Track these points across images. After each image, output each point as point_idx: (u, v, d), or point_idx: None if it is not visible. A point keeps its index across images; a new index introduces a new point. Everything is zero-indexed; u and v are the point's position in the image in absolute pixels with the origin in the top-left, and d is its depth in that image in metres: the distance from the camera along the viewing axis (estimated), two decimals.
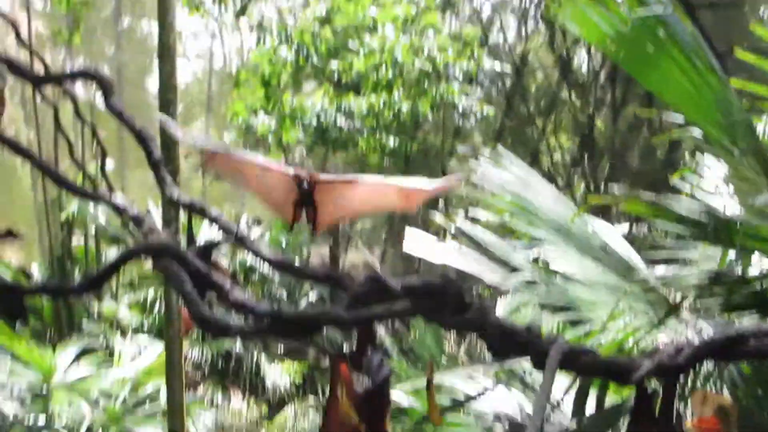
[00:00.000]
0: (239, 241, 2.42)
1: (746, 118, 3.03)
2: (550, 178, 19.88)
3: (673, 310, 2.93)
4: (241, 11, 11.81)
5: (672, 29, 3.05)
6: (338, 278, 2.38)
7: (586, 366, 2.21)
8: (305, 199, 2.54)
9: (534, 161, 20.76)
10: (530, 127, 22.42)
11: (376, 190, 2.62)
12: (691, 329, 2.90)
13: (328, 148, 12.67)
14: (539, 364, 2.15)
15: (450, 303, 2.25)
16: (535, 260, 3.74)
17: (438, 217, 4.27)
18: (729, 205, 3.40)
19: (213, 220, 2.58)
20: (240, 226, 11.21)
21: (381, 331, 11.67)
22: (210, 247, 2.30)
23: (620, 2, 3.13)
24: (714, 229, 2.87)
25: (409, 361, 5.81)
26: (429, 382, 2.37)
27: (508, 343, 2.23)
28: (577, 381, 3.19)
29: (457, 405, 3.72)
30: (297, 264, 2.55)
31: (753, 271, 2.86)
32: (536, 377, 4.00)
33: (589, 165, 19.90)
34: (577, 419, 3.27)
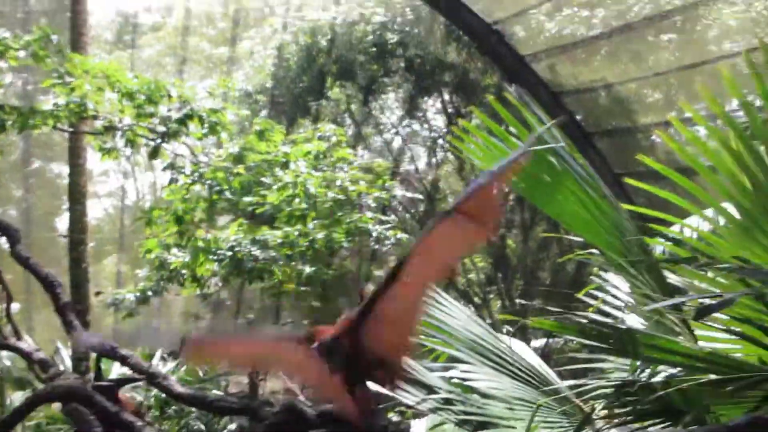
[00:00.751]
0: (150, 378, 2.39)
1: (638, 238, 3.23)
2: (467, 297, 20.20)
3: (587, 419, 3.00)
4: (153, 154, 11.90)
5: (565, 161, 3.28)
6: (254, 409, 2.37)
7: None
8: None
9: (450, 282, 21.10)
10: None
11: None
12: None
13: (244, 279, 12.56)
14: None
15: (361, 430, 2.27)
16: (451, 379, 3.78)
17: None
18: (633, 319, 3.57)
19: (122, 359, 2.54)
20: (153, 362, 10.84)
21: None
22: (118, 385, 2.26)
23: (515, 136, 3.37)
24: (618, 340, 2.99)
25: None
26: None
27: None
28: None
29: None
30: (213, 395, 2.52)
31: (658, 379, 2.98)
32: None
33: (503, 283, 20.33)
34: None
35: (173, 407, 10.86)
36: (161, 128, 11.51)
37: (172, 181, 12.17)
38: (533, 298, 18.30)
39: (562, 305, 3.41)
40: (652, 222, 3.53)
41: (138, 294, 12.53)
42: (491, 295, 21.36)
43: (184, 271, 12.10)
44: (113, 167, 29.24)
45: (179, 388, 2.47)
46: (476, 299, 20.23)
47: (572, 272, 18.41)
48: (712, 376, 2.78)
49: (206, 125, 11.51)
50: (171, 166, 12.22)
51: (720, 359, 2.88)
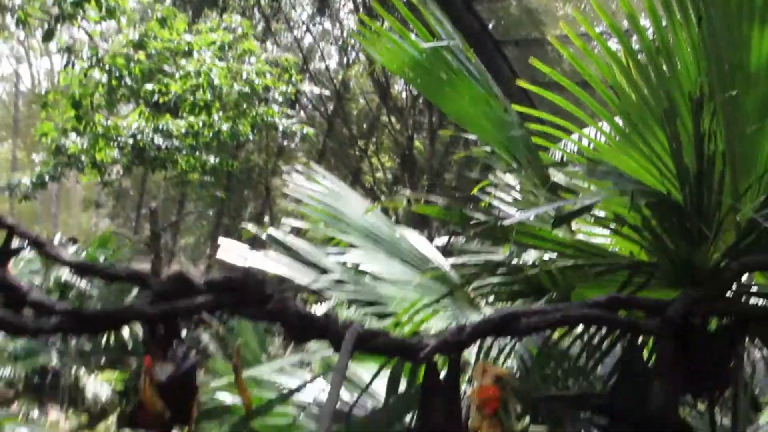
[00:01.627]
0: (37, 246, 2.41)
1: (524, 135, 3.38)
2: (373, 194, 20.50)
3: (460, 290, 3.23)
4: (48, 36, 11.31)
5: (460, 60, 3.37)
6: (143, 277, 2.44)
7: (380, 346, 2.42)
8: None
9: (356, 180, 21.34)
10: (353, 148, 23.03)
11: None
12: (477, 315, 3.20)
13: (147, 168, 12.37)
14: (337, 346, 2.33)
15: (251, 296, 2.38)
16: (345, 263, 3.94)
17: (251, 227, 4.39)
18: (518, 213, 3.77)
19: (9, 228, 2.54)
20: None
21: (206, 337, 11.58)
22: (5, 254, 2.28)
23: (415, 35, 3.42)
24: (494, 228, 3.19)
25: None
26: (236, 368, 2.46)
27: (307, 329, 2.39)
28: (389, 367, 3.40)
29: (281, 399, 3.83)
30: (103, 264, 2.58)
31: (529, 263, 3.21)
32: (354, 369, 4.22)
33: (409, 183, 20.69)
34: (386, 402, 3.48)
35: (74, 290, 10.83)
36: (55, 10, 10.95)
37: (68, 64, 11.67)
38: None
39: (465, 204, 3.57)
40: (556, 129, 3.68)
41: (34, 179, 12.18)
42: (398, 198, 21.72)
43: (83, 158, 11.80)
44: (6, 51, 27.67)
45: (67, 257, 2.50)
46: (382, 197, 20.56)
47: (477, 175, 18.89)
48: (580, 262, 3.03)
49: (104, 9, 11.01)
50: (67, 50, 11.70)
51: (586, 246, 3.12)
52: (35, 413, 10.99)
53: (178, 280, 2.39)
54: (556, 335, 3.41)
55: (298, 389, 3.72)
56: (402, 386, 3.49)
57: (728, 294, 2.77)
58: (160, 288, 2.39)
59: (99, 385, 11.48)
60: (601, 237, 3.45)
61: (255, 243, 4.57)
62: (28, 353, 11.20)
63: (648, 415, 2.37)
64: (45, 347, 11.02)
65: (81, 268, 2.55)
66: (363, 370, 4.18)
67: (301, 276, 3.83)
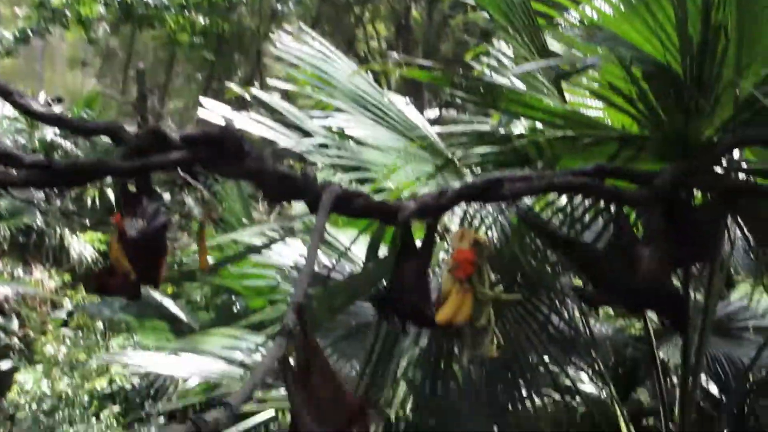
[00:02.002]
0: (4, 96, 2.30)
1: (523, 1, 3.22)
2: (366, 62, 20.07)
3: (449, 162, 3.16)
4: None
5: None
6: (116, 130, 2.35)
7: (358, 208, 2.37)
8: None
9: (350, 48, 20.83)
10: (348, 14, 22.33)
11: None
12: (461, 181, 3.15)
13: (135, 26, 11.98)
14: (314, 207, 2.28)
15: (228, 152, 2.30)
16: (330, 128, 3.85)
17: (234, 87, 4.26)
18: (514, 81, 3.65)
19: None
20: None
21: (190, 201, 11.63)
22: None
23: None
24: (487, 95, 3.09)
25: (219, 228, 5.89)
26: (200, 227, 2.42)
27: (284, 188, 2.33)
28: (367, 233, 3.39)
29: (244, 254, 3.84)
30: (76, 118, 2.48)
31: (516, 131, 3.13)
32: (335, 235, 4.23)
33: (403, 52, 20.21)
34: (365, 266, 3.50)
35: (59, 151, 10.72)
36: None
37: None
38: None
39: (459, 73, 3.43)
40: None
41: (17, 33, 11.80)
42: (391, 64, 21.27)
43: (67, 12, 11.39)
44: None
45: (38, 107, 2.40)
46: (376, 66, 20.10)
47: (473, 45, 18.46)
48: (570, 133, 2.95)
49: None
50: None
51: (577, 117, 3.03)
52: (19, 271, 11.12)
53: (153, 135, 2.30)
54: (538, 207, 3.38)
55: (264, 247, 3.71)
56: (382, 252, 3.50)
57: (717, 169, 2.72)
58: (135, 143, 2.31)
59: (83, 246, 11.56)
60: (592, 109, 3.36)
61: (240, 105, 4.45)
62: (11, 212, 11.21)
63: (635, 285, 2.35)
64: (28, 206, 11.01)
65: (53, 121, 2.46)
66: (344, 236, 4.18)
67: (283, 138, 3.74)
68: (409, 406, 3.54)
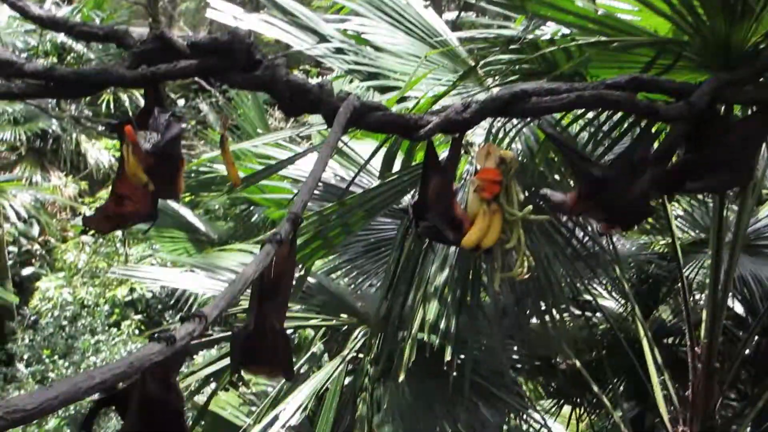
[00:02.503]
0: None
1: None
2: None
3: (471, 70, 2.99)
4: None
5: None
6: (120, 35, 2.21)
7: (377, 122, 2.23)
8: None
9: None
10: None
11: None
12: (486, 95, 2.99)
13: None
14: (330, 120, 2.15)
15: (238, 60, 2.16)
16: (346, 31, 3.68)
17: None
18: None
19: None
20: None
21: (205, 107, 11.46)
22: None
23: None
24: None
25: (235, 135, 5.80)
26: (223, 139, 2.30)
27: (298, 100, 2.19)
28: (385, 146, 3.26)
29: (270, 170, 3.74)
30: (76, 21, 2.33)
31: (545, 38, 2.94)
32: (352, 146, 4.11)
33: None
34: (382, 180, 3.39)
35: (72, 55, 10.51)
36: None
37: None
38: None
39: None
40: None
41: None
42: None
43: None
44: None
45: (36, 10, 2.26)
46: None
47: None
48: (602, 38, 2.76)
49: None
50: None
51: (611, 21, 2.83)
52: (38, 177, 11.13)
53: (160, 42, 2.17)
54: (566, 120, 3.22)
55: (289, 161, 3.60)
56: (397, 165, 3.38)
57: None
58: (141, 50, 2.18)
59: (99, 152, 11.51)
60: (627, 13, 3.15)
61: (253, 7, 4.24)
62: (26, 117, 11.13)
63: (626, 201, 2.24)
64: (43, 111, 10.91)
65: (52, 24, 2.32)
66: (362, 147, 4.06)
67: (298, 41, 3.57)
68: (435, 330, 3.50)
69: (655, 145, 2.44)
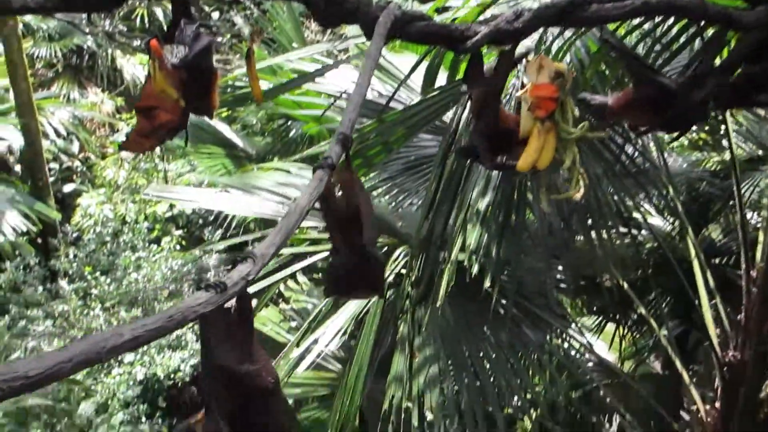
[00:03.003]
0: None
1: None
2: None
3: None
4: None
5: None
6: None
7: (420, 33, 2.07)
8: None
9: None
10: None
11: None
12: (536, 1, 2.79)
13: None
14: (369, 31, 2.00)
15: None
16: None
17: None
18: None
19: None
20: None
21: (239, 20, 11.23)
22: None
23: None
24: None
25: (271, 49, 5.62)
26: (248, 52, 2.16)
27: (335, 9, 2.03)
28: (426, 59, 3.09)
29: (295, 82, 3.60)
30: None
31: None
32: (391, 59, 3.93)
33: None
34: (424, 95, 3.24)
35: None
36: None
37: None
38: None
39: None
40: None
41: None
42: None
43: None
44: None
45: None
46: None
47: None
48: None
49: None
50: None
51: None
52: (75, 94, 11.05)
53: None
54: (621, 30, 3.00)
55: (316, 74, 3.44)
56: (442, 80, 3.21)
57: None
58: None
59: (135, 68, 11.35)
60: None
61: None
62: (61, 33, 10.97)
63: (682, 109, 2.05)
64: (75, 27, 10.72)
65: None
66: (401, 61, 3.88)
67: None
68: (478, 251, 3.39)
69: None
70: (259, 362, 1.48)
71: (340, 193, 1.85)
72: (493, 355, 3.68)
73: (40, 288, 6.80)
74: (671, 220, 4.82)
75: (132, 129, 2.04)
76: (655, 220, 4.89)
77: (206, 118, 7.34)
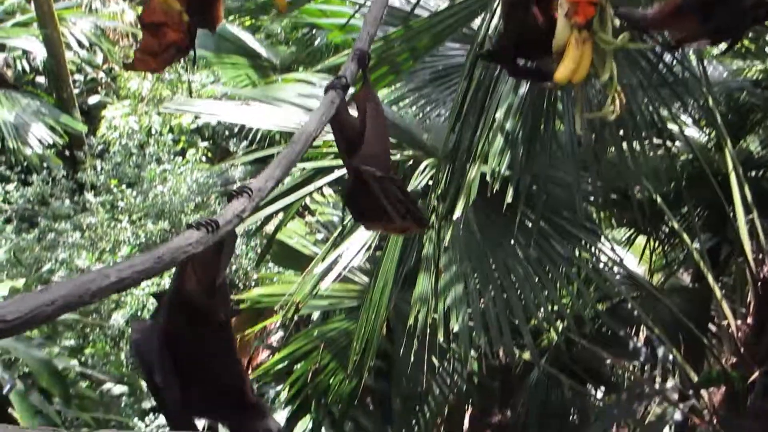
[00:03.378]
0: None
1: None
2: None
3: None
4: None
5: None
6: None
7: None
8: None
9: None
10: None
11: None
12: None
13: None
14: None
15: None
16: None
17: None
18: None
19: None
20: None
21: None
22: None
23: None
24: None
25: None
26: None
27: None
28: None
29: None
30: None
31: None
32: None
33: None
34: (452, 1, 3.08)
35: None
36: None
37: None
38: None
39: None
40: None
41: None
42: None
43: None
44: None
45: None
46: None
47: None
48: None
49: None
50: None
51: None
52: (96, 4, 10.82)
53: None
54: None
55: None
56: None
57: None
58: None
59: None
60: None
61: None
62: None
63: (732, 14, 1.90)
64: None
65: None
66: None
67: None
68: (505, 162, 3.29)
69: None
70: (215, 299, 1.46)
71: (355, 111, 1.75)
72: (520, 270, 3.64)
73: (68, 201, 6.84)
74: (708, 131, 4.65)
75: (138, 47, 1.95)
76: (691, 131, 4.72)
77: (229, 27, 7.19)
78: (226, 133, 9.52)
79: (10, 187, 6.71)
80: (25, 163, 7.36)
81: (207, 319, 1.46)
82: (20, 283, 4.49)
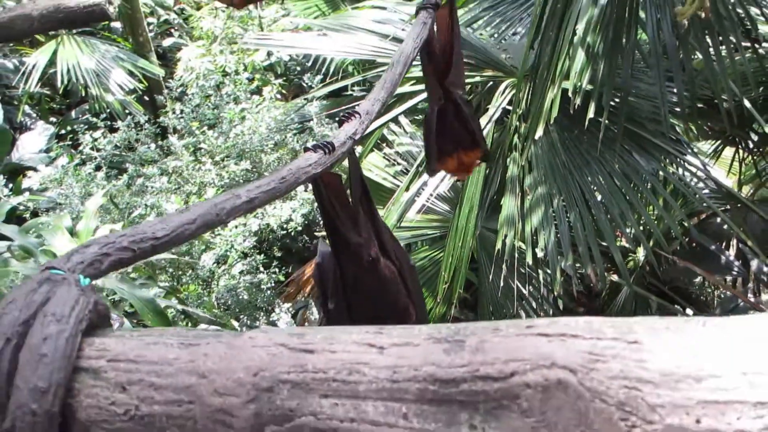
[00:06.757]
0: None
1: None
2: None
3: None
4: None
5: None
6: None
7: None
8: None
9: None
10: None
11: None
12: None
13: None
14: None
15: None
16: None
17: None
18: None
19: None
20: None
21: None
22: None
23: None
24: None
25: None
26: None
27: None
28: None
29: None
30: None
31: None
32: None
33: None
34: None
35: None
36: None
37: None
38: None
39: None
40: None
41: None
42: None
43: None
44: None
45: None
46: None
47: None
48: None
49: None
50: None
51: None
52: None
53: None
54: None
55: None
56: None
57: None
58: None
59: None
60: None
61: None
62: None
63: None
64: None
65: None
66: None
67: None
68: (586, 78, 3.20)
69: None
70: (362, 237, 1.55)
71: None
72: (606, 187, 3.58)
73: (153, 145, 6.98)
74: None
75: None
76: None
77: None
78: (298, 68, 9.51)
79: (98, 134, 6.88)
80: (108, 110, 7.52)
81: (359, 258, 1.57)
82: (119, 226, 4.67)
